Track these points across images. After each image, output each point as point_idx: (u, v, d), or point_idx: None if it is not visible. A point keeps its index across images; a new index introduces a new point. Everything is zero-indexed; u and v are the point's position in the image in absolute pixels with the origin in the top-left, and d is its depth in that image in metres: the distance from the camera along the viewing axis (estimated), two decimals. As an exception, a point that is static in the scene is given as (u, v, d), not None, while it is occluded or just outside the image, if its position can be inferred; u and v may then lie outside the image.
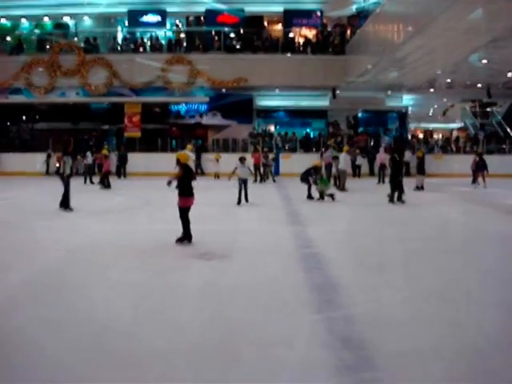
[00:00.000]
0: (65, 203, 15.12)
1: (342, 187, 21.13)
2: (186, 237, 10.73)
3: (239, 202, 16.56)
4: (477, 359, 5.30)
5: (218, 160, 28.65)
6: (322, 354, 5.36)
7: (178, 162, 11.06)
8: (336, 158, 22.86)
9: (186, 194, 10.64)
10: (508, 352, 5.51)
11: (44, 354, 5.41)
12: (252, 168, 21.83)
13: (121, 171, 29.39)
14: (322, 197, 18.07)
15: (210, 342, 5.68)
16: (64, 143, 16.51)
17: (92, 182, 25.71)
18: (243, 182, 16.67)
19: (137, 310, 6.73)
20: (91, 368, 5.07)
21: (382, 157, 26.36)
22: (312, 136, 35.27)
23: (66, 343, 5.63)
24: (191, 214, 10.72)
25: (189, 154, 11.62)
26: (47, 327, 6.11)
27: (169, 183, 10.86)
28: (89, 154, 27.00)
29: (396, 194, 16.95)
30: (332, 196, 17.99)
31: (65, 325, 6.18)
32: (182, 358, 5.34)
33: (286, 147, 33.27)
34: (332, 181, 22.06)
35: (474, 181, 24.09)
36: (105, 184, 22.63)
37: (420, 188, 22.17)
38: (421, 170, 22.50)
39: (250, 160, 24.20)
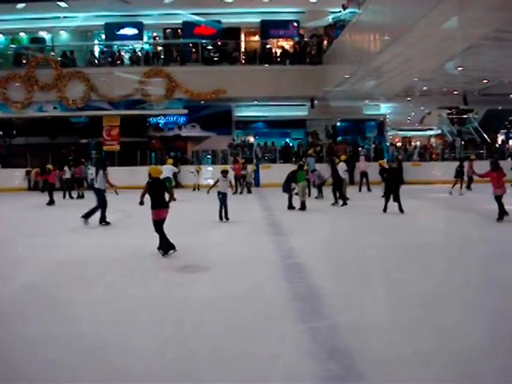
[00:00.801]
0: (103, 218, 15.40)
1: (343, 196, 21.15)
2: (169, 247, 10.69)
3: (221, 218, 15.67)
4: (463, 365, 5.30)
5: (198, 172, 28.60)
6: (308, 365, 5.32)
7: (150, 176, 11.09)
8: (314, 170, 23.07)
9: (158, 206, 10.65)
10: (493, 356, 5.52)
11: (29, 370, 5.33)
12: (233, 180, 21.75)
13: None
14: (303, 207, 18.09)
15: (193, 355, 5.63)
16: (101, 159, 16.88)
17: (71, 197, 25.53)
18: (223, 197, 15.68)
19: (121, 324, 6.65)
20: (74, 382, 5.00)
21: (362, 165, 26.55)
22: (291, 146, 35.35)
23: (51, 359, 5.55)
24: (173, 227, 10.66)
25: (161, 169, 11.51)
26: (31, 344, 6.01)
27: (141, 203, 10.90)
28: (66, 168, 26.76)
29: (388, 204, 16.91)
30: (303, 204, 18.21)
31: (49, 340, 6.10)
32: (165, 373, 5.27)
33: (266, 158, 33.30)
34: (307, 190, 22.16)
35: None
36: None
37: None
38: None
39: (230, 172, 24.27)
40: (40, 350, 5.86)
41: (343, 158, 22.80)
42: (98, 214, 15.18)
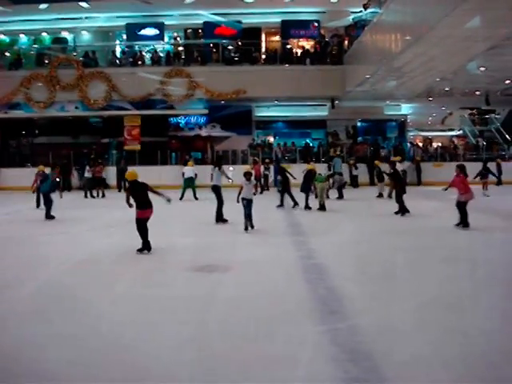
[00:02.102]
0: (220, 217, 15.60)
1: (390, 194, 21.66)
2: (145, 247, 11.16)
3: (246, 228, 14.00)
4: (484, 367, 5.26)
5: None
6: (328, 366, 5.31)
7: (127, 181, 11.78)
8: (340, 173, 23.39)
9: (142, 207, 11.12)
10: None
11: (47, 368, 5.37)
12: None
13: (121, 184, 29.37)
14: (322, 207, 18.05)
15: (213, 356, 5.64)
16: (218, 157, 17.18)
17: (93, 196, 25.74)
18: (247, 203, 13.96)
19: (140, 324, 6.69)
20: (94, 382, 5.04)
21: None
22: (311, 146, 35.27)
23: (69, 358, 5.59)
24: (193, 226, 10.69)
25: (136, 173, 11.71)
26: (50, 342, 6.07)
27: (130, 206, 11.34)
28: (87, 167, 26.97)
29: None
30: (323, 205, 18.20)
31: (69, 339, 6.14)
32: (185, 372, 5.29)
33: (286, 158, 33.25)
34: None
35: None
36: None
37: (380, 196, 22.69)
38: (381, 178, 22.85)
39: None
40: (59, 348, 5.90)
41: (398, 158, 23.23)
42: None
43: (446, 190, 15.06)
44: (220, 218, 15.52)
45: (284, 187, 19.58)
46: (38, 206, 19.58)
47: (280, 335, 6.23)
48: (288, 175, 19.84)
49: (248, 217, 14.03)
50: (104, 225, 15.37)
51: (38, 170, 20.75)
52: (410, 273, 9.34)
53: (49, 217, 16.68)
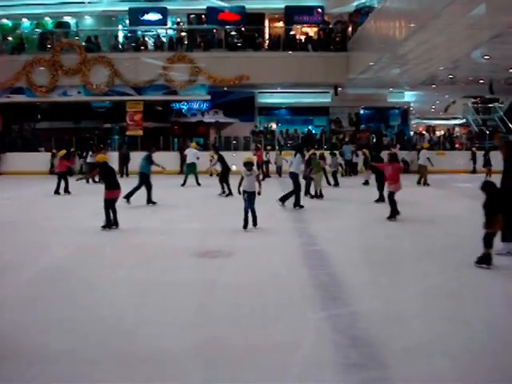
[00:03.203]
0: (297, 202, 15.61)
1: (425, 182, 22.50)
2: (108, 224, 12.09)
3: (245, 226, 12.18)
4: (483, 356, 5.28)
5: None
6: (329, 352, 5.34)
7: (98, 163, 12.71)
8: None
9: (110, 187, 12.19)
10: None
11: (47, 353, 5.40)
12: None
13: (123, 170, 29.35)
14: (320, 195, 18.05)
15: (215, 341, 5.66)
16: (298, 145, 19.13)
17: (95, 181, 25.72)
18: (249, 197, 12.19)
19: (142, 308, 6.72)
20: (95, 368, 5.06)
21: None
22: (314, 133, 35.20)
23: (69, 342, 5.62)
24: (194, 212, 10.69)
25: (106, 156, 12.35)
26: (50, 326, 6.10)
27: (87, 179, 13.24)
28: (90, 153, 26.94)
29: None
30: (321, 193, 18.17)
31: (70, 323, 6.17)
32: (187, 357, 5.31)
33: (288, 145, 33.19)
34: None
35: None
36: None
37: (366, 183, 22.81)
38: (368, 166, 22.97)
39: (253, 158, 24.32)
40: (59, 333, 5.94)
41: (426, 146, 23.98)
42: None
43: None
44: (298, 204, 15.53)
45: (224, 175, 19.19)
46: (57, 191, 19.60)
47: (281, 321, 6.25)
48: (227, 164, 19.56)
49: (246, 213, 12.22)
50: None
51: (60, 154, 20.76)
52: (412, 260, 9.35)
53: (151, 201, 16.38)
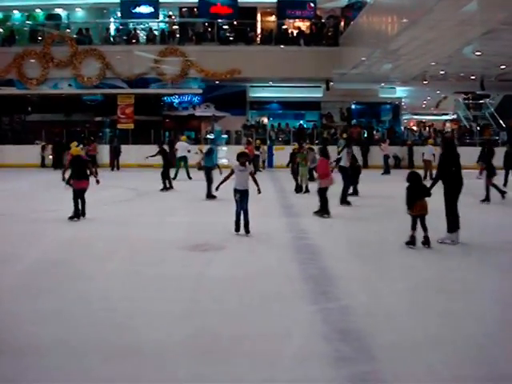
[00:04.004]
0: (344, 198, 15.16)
1: (430, 176, 22.37)
2: (76, 214, 12.35)
3: (238, 229, 10.84)
4: (473, 350, 5.31)
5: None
6: (319, 346, 5.36)
7: (71, 154, 13.24)
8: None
9: (78, 178, 12.61)
10: (505, 342, 5.52)
11: (38, 345, 5.40)
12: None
13: (114, 163, 29.31)
14: (301, 189, 17.90)
15: (206, 334, 5.68)
16: (349, 138, 19.10)
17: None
18: (241, 196, 10.65)
19: (133, 301, 6.72)
20: (87, 361, 5.06)
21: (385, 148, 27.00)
22: (305, 127, 35.20)
23: (60, 335, 5.62)
24: (185, 205, 10.69)
25: (79, 149, 12.85)
26: (42, 319, 6.09)
27: (64, 179, 14.23)
28: (81, 146, 26.80)
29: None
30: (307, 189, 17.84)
31: (60, 316, 6.16)
32: (178, 350, 5.33)
33: (280, 139, 33.20)
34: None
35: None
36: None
37: None
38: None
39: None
40: (50, 325, 5.94)
41: (431, 142, 24.12)
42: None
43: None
44: (344, 200, 15.11)
45: (165, 170, 18.54)
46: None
47: (272, 314, 6.27)
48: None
49: (238, 215, 10.85)
50: (97, 203, 15.33)
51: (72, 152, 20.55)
52: (402, 254, 9.38)
53: (210, 196, 16.04)
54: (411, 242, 9.60)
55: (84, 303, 6.62)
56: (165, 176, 18.58)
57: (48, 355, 5.16)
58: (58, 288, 7.27)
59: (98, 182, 12.88)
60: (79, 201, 12.44)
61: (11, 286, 7.40)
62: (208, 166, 16.43)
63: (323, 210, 12.94)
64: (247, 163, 11.00)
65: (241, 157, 10.80)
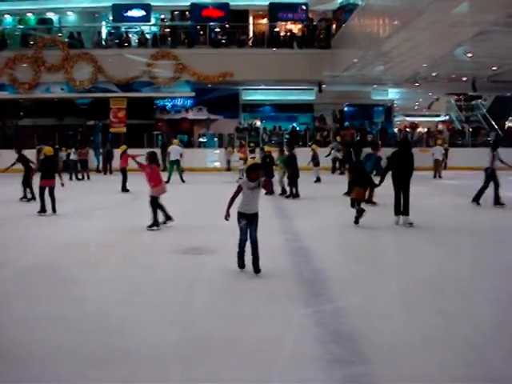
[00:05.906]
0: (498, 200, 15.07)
1: (439, 175, 24.04)
2: (42, 210, 13.66)
3: (242, 265, 8.15)
4: (468, 351, 5.30)
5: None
6: (312, 348, 5.34)
7: (44, 154, 14.18)
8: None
9: (45, 177, 13.67)
10: (499, 343, 5.51)
11: (32, 350, 5.35)
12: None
13: (106, 167, 29.24)
14: (285, 192, 17.92)
15: (199, 338, 5.65)
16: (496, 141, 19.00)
17: (78, 179, 25.56)
18: (248, 222, 7.95)
19: (127, 306, 6.68)
20: (80, 365, 5.02)
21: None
22: (298, 130, 35.22)
23: (55, 340, 5.58)
24: (179, 208, 10.66)
25: (51, 149, 13.87)
26: (36, 324, 6.05)
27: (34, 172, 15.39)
28: (73, 150, 26.72)
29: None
30: (285, 192, 17.92)
31: (53, 321, 6.12)
32: (171, 354, 5.29)
33: (273, 142, 33.17)
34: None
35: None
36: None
37: (318, 180, 22.55)
38: (316, 163, 22.44)
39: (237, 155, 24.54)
40: (45, 330, 5.90)
41: (439, 142, 25.26)
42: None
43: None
44: (498, 202, 14.96)
45: (26, 178, 16.85)
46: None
47: (265, 317, 6.25)
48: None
49: (243, 247, 8.10)
50: (90, 207, 15.31)
51: (45, 151, 20.41)
52: (396, 255, 9.39)
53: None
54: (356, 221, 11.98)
55: (78, 308, 6.58)
56: (26, 184, 16.92)
57: (42, 361, 5.11)
58: (50, 293, 7.21)
59: (62, 185, 13.82)
60: (49, 198, 13.65)
61: (3, 291, 7.34)
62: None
63: (155, 222, 11.70)
64: (260, 179, 8.03)
65: (252, 170, 7.95)
